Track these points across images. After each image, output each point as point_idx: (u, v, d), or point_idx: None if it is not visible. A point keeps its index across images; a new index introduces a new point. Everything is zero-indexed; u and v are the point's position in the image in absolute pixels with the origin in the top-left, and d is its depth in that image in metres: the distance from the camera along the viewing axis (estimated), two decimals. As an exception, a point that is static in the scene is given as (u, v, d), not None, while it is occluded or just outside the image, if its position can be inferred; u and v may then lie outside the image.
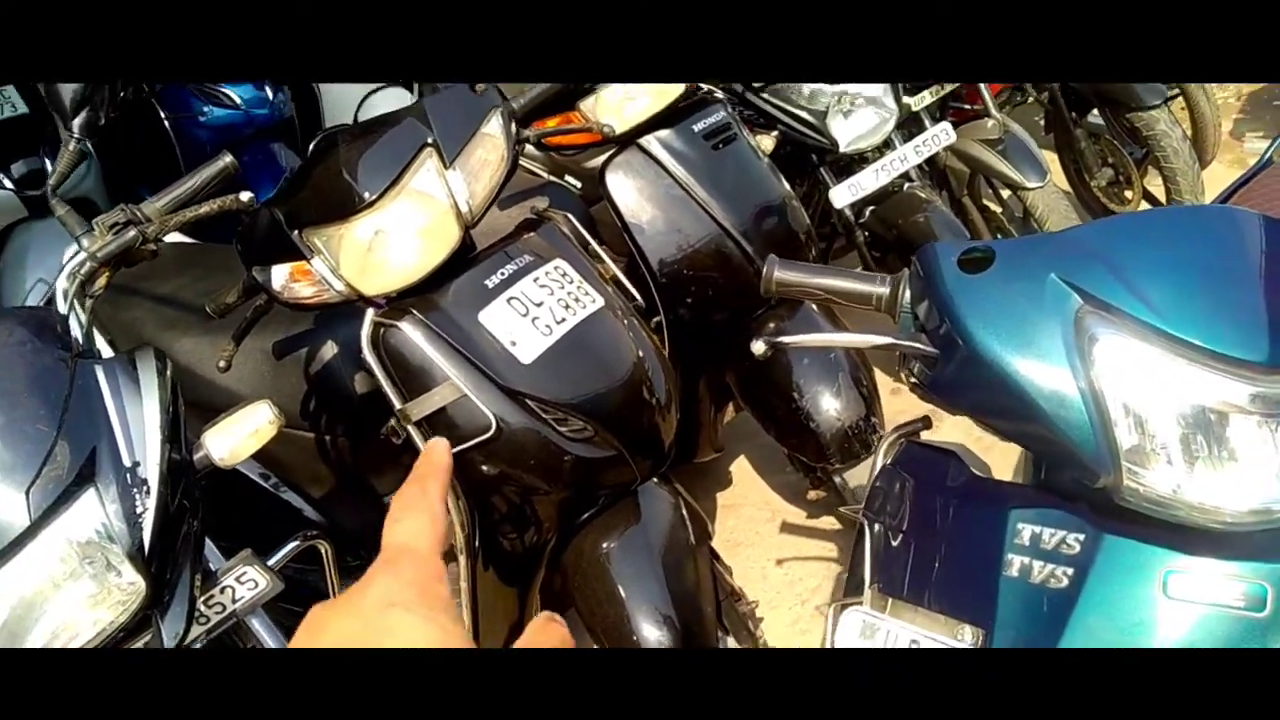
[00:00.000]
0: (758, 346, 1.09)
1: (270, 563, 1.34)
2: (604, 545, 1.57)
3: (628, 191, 2.03)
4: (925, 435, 1.16)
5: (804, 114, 2.43)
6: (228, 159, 1.40)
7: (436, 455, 0.56)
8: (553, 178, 2.65)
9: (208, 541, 1.30)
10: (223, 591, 1.23)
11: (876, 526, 1.09)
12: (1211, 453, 0.82)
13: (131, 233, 1.30)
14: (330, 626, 0.46)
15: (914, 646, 0.96)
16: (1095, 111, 3.36)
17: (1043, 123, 3.67)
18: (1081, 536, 0.90)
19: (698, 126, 2.04)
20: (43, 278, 3.17)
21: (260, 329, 1.79)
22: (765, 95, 2.47)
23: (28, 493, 1.03)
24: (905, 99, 2.52)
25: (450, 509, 1.58)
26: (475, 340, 1.48)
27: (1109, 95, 3.17)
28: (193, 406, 1.27)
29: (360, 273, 1.44)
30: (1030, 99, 3.47)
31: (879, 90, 2.41)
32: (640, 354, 1.59)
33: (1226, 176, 3.50)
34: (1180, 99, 3.51)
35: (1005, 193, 2.94)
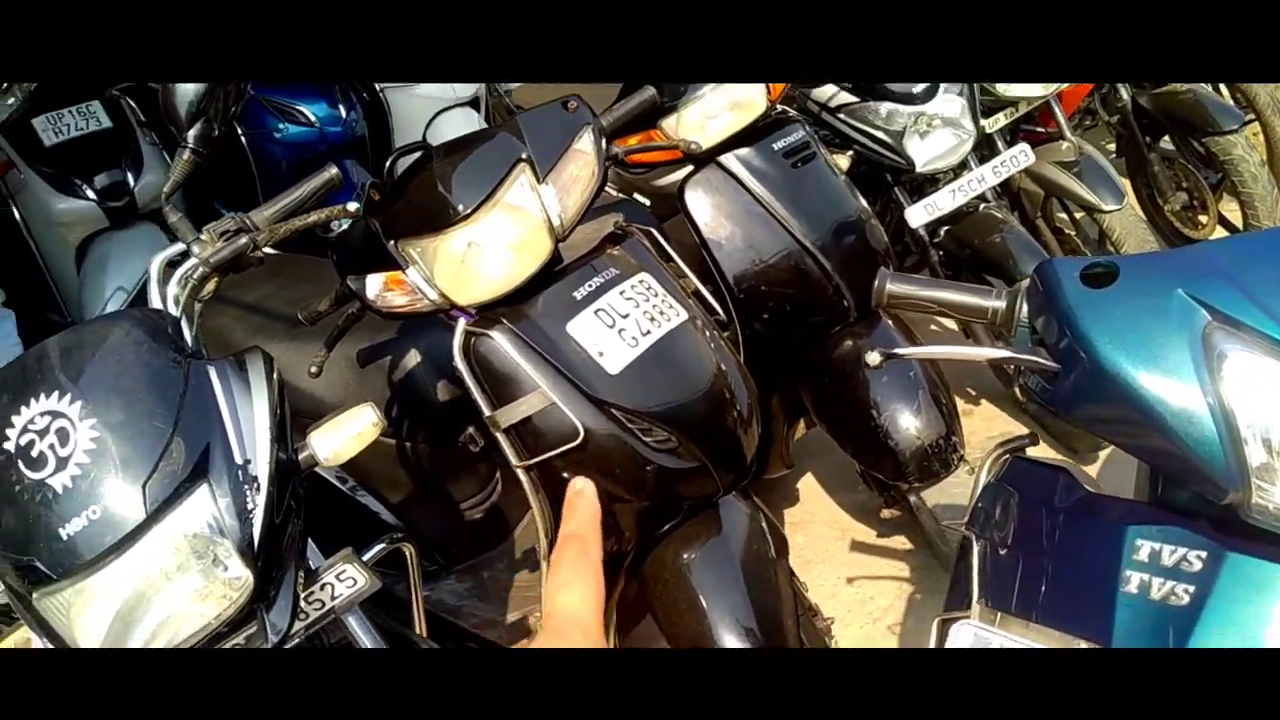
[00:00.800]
0: (873, 357, 1.09)
1: None
2: (685, 555, 1.57)
3: (706, 208, 2.04)
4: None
5: (880, 134, 2.43)
6: (333, 171, 1.43)
7: (587, 499, 0.54)
8: (623, 195, 2.68)
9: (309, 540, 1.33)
10: (322, 589, 1.26)
11: (981, 542, 1.08)
12: (1342, 471, 0.81)
13: (243, 240, 1.34)
14: None
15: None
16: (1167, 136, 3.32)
17: (1113, 147, 3.63)
18: (1204, 554, 0.88)
19: (777, 145, 2.06)
20: (122, 285, 3.26)
21: (345, 337, 1.83)
22: (842, 115, 2.47)
23: (144, 487, 1.06)
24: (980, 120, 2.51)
25: (535, 516, 1.60)
26: (564, 350, 1.49)
27: (1183, 119, 3.13)
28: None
29: (454, 283, 1.47)
30: (1101, 122, 3.44)
31: (956, 110, 2.41)
32: (723, 367, 1.60)
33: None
34: (1255, 123, 3.46)
35: (1079, 215, 2.91)
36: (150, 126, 3.30)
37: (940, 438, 1.92)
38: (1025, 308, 1.02)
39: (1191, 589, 0.88)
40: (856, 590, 2.27)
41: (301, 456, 1.23)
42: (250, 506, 1.11)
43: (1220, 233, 3.32)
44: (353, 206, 1.44)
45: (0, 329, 2.71)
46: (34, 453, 1.07)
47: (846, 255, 2.01)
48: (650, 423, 1.50)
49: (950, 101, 2.42)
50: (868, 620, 2.19)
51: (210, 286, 1.38)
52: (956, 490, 2.03)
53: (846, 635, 2.05)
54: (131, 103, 3.30)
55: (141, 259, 2.98)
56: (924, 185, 2.57)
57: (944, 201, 2.41)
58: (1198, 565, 0.88)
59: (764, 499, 2.05)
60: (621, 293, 1.57)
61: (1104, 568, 0.93)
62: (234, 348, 1.69)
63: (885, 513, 2.18)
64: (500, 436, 1.55)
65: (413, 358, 1.99)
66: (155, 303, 1.36)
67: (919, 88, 2.42)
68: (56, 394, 1.08)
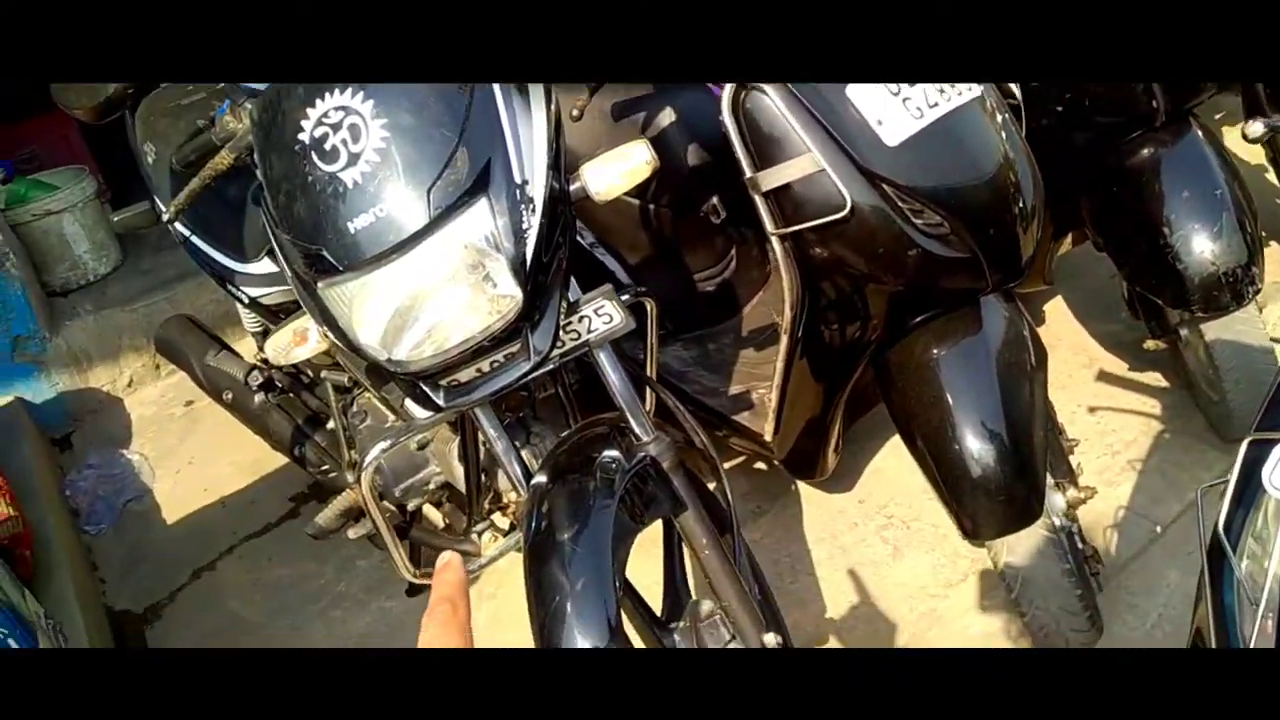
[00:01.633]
0: (1254, 127, 0.93)
1: None
2: (936, 350, 1.49)
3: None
4: None
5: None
6: None
7: (454, 571, 0.56)
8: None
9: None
10: (580, 320, 1.27)
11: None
12: None
13: None
14: None
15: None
16: None
17: None
18: None
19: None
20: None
21: (603, 90, 1.79)
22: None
23: (429, 192, 1.07)
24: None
25: (784, 288, 1.55)
26: (840, 114, 1.38)
27: None
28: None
29: None
30: None
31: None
32: (1010, 155, 1.45)
33: None
34: None
35: None
36: None
37: (1239, 266, 1.70)
38: None
39: None
40: (1098, 421, 2.13)
41: (573, 187, 1.21)
42: (525, 226, 1.10)
43: None
44: None
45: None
46: (327, 145, 1.09)
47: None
48: (924, 203, 1.39)
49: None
50: (1106, 452, 2.05)
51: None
52: (1241, 327, 1.81)
53: (1086, 464, 1.91)
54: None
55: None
56: None
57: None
58: None
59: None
60: (912, 56, 1.42)
61: None
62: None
63: (1150, 344, 1.98)
64: (758, 200, 1.49)
65: (667, 115, 1.92)
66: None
67: None
68: (350, 90, 1.09)
